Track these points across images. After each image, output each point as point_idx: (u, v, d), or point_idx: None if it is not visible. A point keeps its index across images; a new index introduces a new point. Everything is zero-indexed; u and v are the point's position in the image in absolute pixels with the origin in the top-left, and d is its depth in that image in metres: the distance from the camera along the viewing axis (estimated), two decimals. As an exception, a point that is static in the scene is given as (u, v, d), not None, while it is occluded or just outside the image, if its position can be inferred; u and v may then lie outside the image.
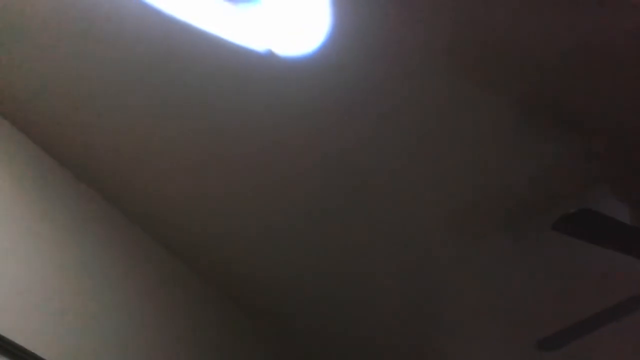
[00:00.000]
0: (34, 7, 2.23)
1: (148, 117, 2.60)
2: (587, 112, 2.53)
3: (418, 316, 3.64)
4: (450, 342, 3.90)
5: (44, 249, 2.57)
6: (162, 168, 2.81)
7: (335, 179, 2.83)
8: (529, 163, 2.72)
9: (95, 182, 2.87)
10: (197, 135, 2.67)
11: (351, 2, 2.19)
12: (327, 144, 2.68)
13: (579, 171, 2.75)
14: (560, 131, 2.58)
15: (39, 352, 2.38)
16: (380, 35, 2.28)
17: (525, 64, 2.36)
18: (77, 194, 2.80)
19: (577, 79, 2.40)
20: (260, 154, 2.74)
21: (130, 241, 3.02)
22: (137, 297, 2.95)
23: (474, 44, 2.29)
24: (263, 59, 2.34)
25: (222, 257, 3.28)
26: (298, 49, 2.33)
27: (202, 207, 2.99)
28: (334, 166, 2.77)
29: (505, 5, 2.19)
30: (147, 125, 2.64)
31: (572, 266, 3.19)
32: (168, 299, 3.14)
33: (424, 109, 2.53)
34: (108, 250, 2.88)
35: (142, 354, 2.89)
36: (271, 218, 3.04)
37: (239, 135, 2.66)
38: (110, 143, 2.71)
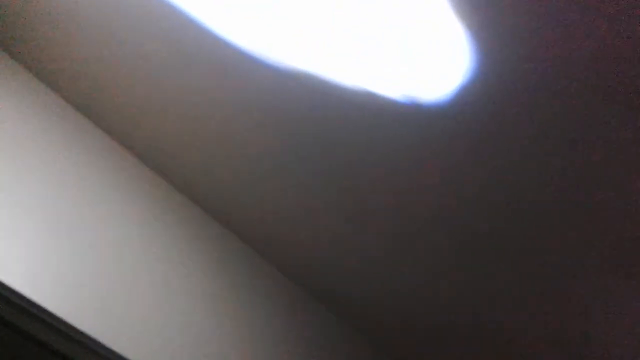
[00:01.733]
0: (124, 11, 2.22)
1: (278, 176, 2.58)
2: None
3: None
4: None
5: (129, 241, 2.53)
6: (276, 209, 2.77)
7: (472, 224, 2.70)
8: None
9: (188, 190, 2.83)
10: (326, 183, 2.62)
11: (489, 43, 2.06)
12: (464, 189, 2.56)
13: None
14: None
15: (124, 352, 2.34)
16: (518, 77, 2.14)
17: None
18: (164, 197, 2.73)
19: None
20: (387, 207, 2.65)
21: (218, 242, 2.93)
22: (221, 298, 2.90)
23: (616, 75, 2.12)
24: (400, 106, 2.26)
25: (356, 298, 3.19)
26: (435, 94, 2.22)
27: (323, 244, 2.91)
28: (473, 210, 2.64)
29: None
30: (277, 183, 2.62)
31: None
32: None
33: (565, 149, 2.37)
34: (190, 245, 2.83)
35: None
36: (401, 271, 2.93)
37: (369, 188, 2.60)
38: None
